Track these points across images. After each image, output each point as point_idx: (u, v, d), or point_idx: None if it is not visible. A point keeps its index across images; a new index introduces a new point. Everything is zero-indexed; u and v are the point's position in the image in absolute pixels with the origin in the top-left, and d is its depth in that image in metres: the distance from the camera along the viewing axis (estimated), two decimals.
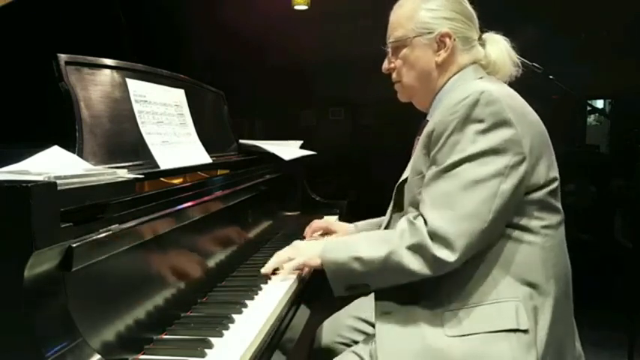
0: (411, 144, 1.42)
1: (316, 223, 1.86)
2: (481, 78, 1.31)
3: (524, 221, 1.20)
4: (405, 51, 1.36)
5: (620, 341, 2.61)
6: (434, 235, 1.15)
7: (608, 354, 2.68)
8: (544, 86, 1.98)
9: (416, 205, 1.26)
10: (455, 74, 1.34)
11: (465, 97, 1.18)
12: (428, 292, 1.21)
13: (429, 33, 1.33)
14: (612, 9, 3.19)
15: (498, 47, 1.35)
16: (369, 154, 4.04)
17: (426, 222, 1.17)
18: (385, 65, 1.43)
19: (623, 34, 3.27)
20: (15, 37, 1.73)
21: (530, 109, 1.27)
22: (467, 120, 1.17)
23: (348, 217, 2.30)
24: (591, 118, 4.02)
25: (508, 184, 1.15)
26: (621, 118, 3.79)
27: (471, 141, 1.16)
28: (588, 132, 3.94)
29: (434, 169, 1.20)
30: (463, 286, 1.19)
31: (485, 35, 1.39)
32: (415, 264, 1.16)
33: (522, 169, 1.16)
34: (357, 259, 1.23)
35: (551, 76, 1.96)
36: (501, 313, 1.15)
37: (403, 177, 1.34)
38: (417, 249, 1.16)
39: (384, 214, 1.56)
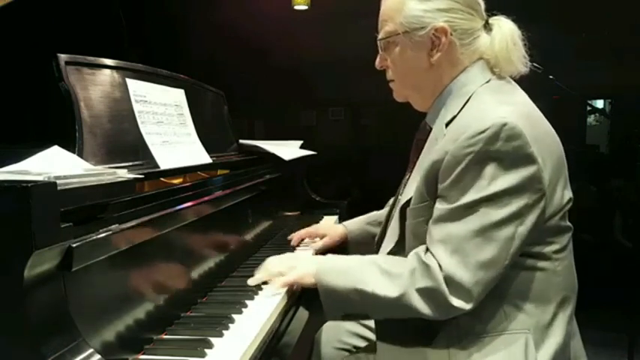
0: (411, 144, 1.40)
1: (300, 233, 1.76)
2: (488, 81, 1.18)
3: (538, 249, 1.12)
4: (396, 50, 1.22)
5: (620, 341, 2.61)
6: (450, 282, 1.06)
7: (608, 354, 2.68)
8: (544, 86, 1.98)
9: (417, 234, 1.17)
10: (458, 75, 1.19)
11: (483, 128, 1.05)
12: (435, 322, 1.13)
13: (421, 29, 1.17)
14: (612, 9, 3.19)
15: (503, 38, 1.18)
16: (369, 154, 4.04)
17: (440, 266, 1.07)
18: (378, 63, 1.29)
19: (623, 34, 3.27)
20: (15, 37, 1.73)
21: (547, 124, 1.17)
22: (486, 155, 1.05)
23: (348, 217, 2.30)
24: (591, 118, 4.02)
25: (526, 225, 1.07)
26: (621, 118, 3.79)
27: (490, 179, 1.05)
28: (588, 132, 3.94)
29: (446, 205, 1.09)
30: (473, 316, 1.10)
31: (493, 20, 1.21)
32: (426, 308, 1.08)
33: (541, 204, 1.08)
34: (360, 292, 1.13)
35: (551, 76, 1.97)
36: (511, 346, 1.10)
37: (406, 197, 1.21)
38: (431, 293, 1.08)
39: None
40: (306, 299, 1.41)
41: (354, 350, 1.50)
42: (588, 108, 3.77)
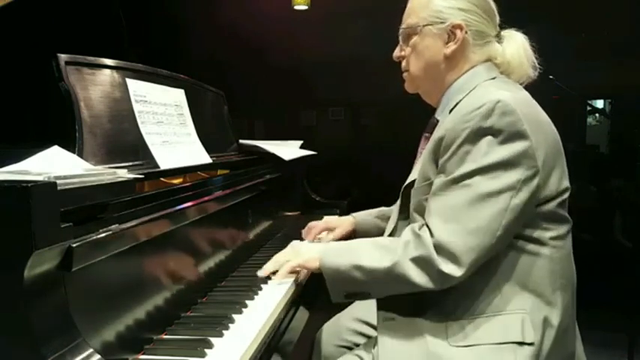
0: (411, 144, 1.41)
1: (317, 227, 1.80)
2: (494, 78, 1.27)
3: (533, 233, 1.17)
4: (415, 39, 1.33)
5: (620, 341, 2.61)
6: (440, 249, 1.12)
7: (608, 354, 2.68)
8: (544, 86, 1.98)
9: (421, 212, 1.23)
10: (466, 72, 1.29)
11: (479, 105, 1.14)
12: (433, 301, 1.19)
13: (441, 23, 1.28)
14: (612, 9, 3.19)
15: (516, 46, 1.29)
16: (369, 154, 4.03)
17: (432, 234, 1.13)
18: (396, 52, 1.40)
19: (623, 34, 3.27)
20: (15, 37, 1.73)
21: (545, 116, 1.23)
22: (480, 130, 1.13)
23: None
24: (591, 118, 4.02)
25: (519, 199, 1.11)
26: (621, 118, 3.79)
27: (484, 152, 1.12)
28: (588, 132, 3.94)
29: (443, 178, 1.16)
30: (469, 296, 1.16)
31: (505, 32, 1.33)
32: (419, 277, 1.13)
33: (535, 182, 1.13)
34: (359, 267, 1.19)
35: (551, 76, 1.97)
36: (507, 326, 1.13)
37: (410, 179, 1.30)
38: (422, 262, 1.13)
39: None
40: (306, 299, 1.41)
41: (354, 347, 1.50)
42: (588, 108, 3.77)
